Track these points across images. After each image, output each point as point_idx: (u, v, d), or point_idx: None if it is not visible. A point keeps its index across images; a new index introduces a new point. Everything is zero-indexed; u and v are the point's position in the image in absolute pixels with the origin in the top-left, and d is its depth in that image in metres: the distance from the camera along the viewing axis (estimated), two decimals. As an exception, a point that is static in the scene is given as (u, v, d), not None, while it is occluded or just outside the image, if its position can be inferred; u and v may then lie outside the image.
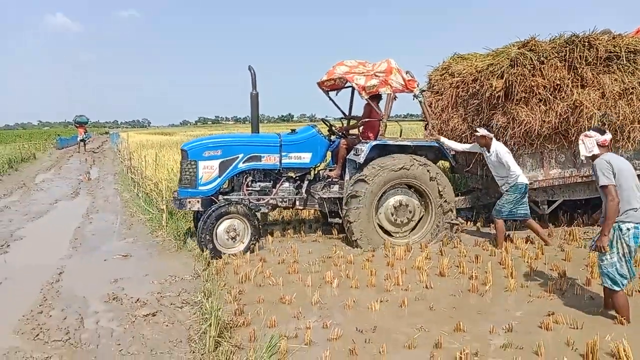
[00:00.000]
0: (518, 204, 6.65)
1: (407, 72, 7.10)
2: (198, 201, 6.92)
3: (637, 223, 4.14)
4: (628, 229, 4.15)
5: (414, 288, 5.25)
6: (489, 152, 6.77)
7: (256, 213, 7.00)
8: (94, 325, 4.53)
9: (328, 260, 6.32)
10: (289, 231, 7.78)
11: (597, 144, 4.35)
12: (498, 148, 6.68)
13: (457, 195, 7.64)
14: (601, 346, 3.71)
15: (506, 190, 6.68)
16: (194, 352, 3.92)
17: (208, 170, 6.92)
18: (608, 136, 4.41)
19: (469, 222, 8.14)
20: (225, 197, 7.10)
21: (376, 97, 7.24)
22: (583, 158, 4.58)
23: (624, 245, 4.17)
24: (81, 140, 30.94)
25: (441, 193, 6.92)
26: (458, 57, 8.45)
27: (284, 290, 5.19)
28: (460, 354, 3.65)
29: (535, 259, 6.13)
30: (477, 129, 6.79)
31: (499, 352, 3.80)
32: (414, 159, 6.86)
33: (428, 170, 6.86)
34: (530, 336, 4.01)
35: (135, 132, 57.85)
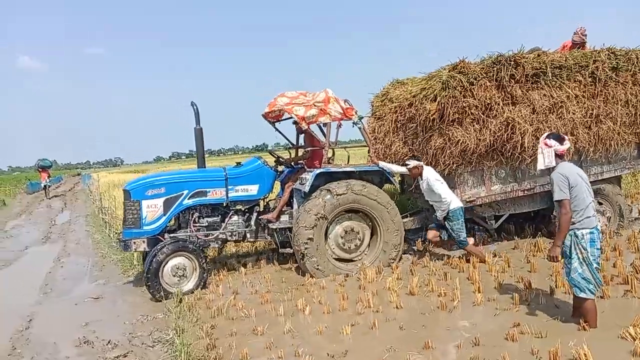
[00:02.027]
0: (463, 226, 6.84)
1: (345, 101, 7.27)
2: (144, 241, 6.77)
3: (591, 228, 4.34)
4: (583, 235, 4.33)
5: (384, 309, 5.33)
6: (422, 179, 6.95)
7: (204, 249, 6.93)
8: (65, 371, 4.48)
9: (301, 288, 6.37)
10: (261, 261, 7.80)
11: (556, 154, 4.46)
12: (429, 175, 6.84)
13: (406, 217, 7.76)
14: (564, 353, 3.84)
15: (448, 219, 6.82)
16: (165, 390, 3.91)
17: (152, 209, 6.81)
18: (567, 145, 4.51)
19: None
20: (172, 235, 6.98)
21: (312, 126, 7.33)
22: (539, 171, 4.75)
23: (582, 250, 4.34)
24: (45, 187, 27.60)
25: (386, 216, 7.00)
26: (397, 83, 8.62)
27: (256, 321, 5.21)
28: (428, 371, 3.73)
29: (503, 272, 6.29)
30: (407, 162, 6.95)
31: (466, 366, 3.89)
32: (356, 184, 6.91)
33: (371, 195, 6.92)
34: (497, 348, 4.11)
35: (107, 171, 57.23)
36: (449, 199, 6.76)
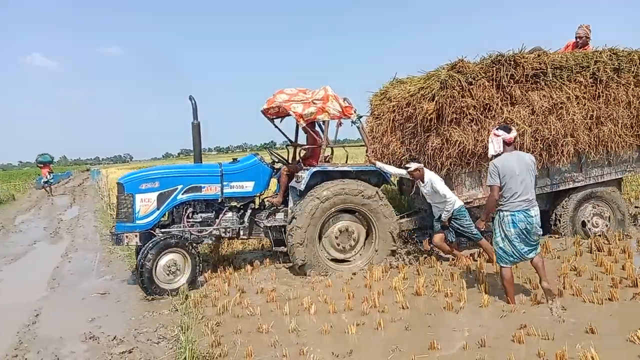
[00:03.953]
0: (471, 221, 6.77)
1: (344, 99, 7.22)
2: (136, 235, 6.71)
3: (513, 211, 5.02)
4: (505, 216, 5.07)
5: (390, 309, 5.30)
6: (423, 182, 6.84)
7: (196, 244, 6.89)
8: (70, 366, 4.50)
9: (307, 286, 6.36)
10: (267, 260, 7.79)
11: (504, 142, 5.10)
12: (432, 177, 6.74)
13: (403, 217, 7.71)
14: (571, 355, 3.80)
15: (455, 218, 6.73)
16: (169, 387, 3.92)
17: (145, 204, 6.75)
18: (514, 134, 5.17)
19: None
20: (164, 230, 6.90)
21: (312, 124, 7.32)
22: (490, 157, 5.20)
23: (503, 229, 5.08)
24: (45, 183, 26.03)
25: (382, 216, 6.95)
26: (397, 82, 8.51)
27: (261, 319, 5.20)
28: (433, 372, 3.71)
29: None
30: (408, 164, 6.82)
31: (472, 368, 3.86)
32: (353, 184, 6.87)
33: (367, 194, 6.87)
34: (503, 350, 4.08)
35: (116, 167, 57.52)
36: (454, 198, 6.69)
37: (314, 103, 6.93)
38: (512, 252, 5.08)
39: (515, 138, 5.24)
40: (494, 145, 5.13)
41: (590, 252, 6.92)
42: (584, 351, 3.79)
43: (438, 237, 6.99)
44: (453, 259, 7.01)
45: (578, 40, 8.11)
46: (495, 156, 5.15)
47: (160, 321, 5.48)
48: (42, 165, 26.15)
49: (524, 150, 6.76)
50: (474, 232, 6.74)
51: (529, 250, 5.10)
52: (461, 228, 6.78)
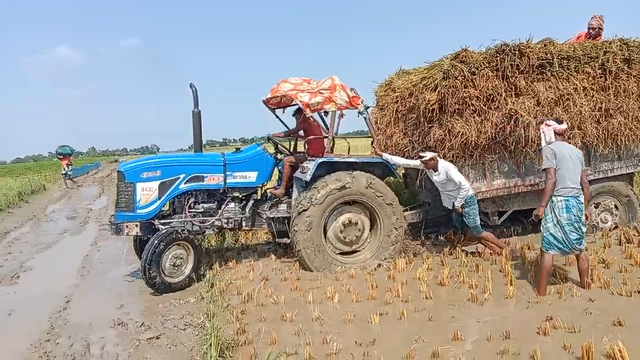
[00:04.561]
0: (478, 213, 6.70)
1: (351, 89, 7.14)
2: (136, 225, 6.56)
3: (567, 196, 5.09)
4: (559, 201, 5.12)
5: (414, 299, 5.30)
6: (436, 171, 6.71)
7: (198, 235, 6.87)
8: (100, 350, 4.62)
9: (330, 276, 6.39)
10: (291, 249, 7.82)
11: (555, 132, 5.25)
12: (446, 166, 6.62)
13: (406, 210, 7.58)
14: (597, 348, 3.75)
15: (466, 205, 6.61)
16: (195, 372, 4.00)
17: (147, 193, 6.61)
18: (564, 125, 5.37)
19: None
20: (163, 221, 6.73)
21: (300, 112, 7.24)
22: (543, 145, 5.30)
23: (556, 214, 5.12)
24: (64, 175, 25.67)
25: (387, 209, 6.86)
26: (402, 73, 8.34)
27: (285, 307, 5.26)
28: (457, 362, 3.71)
29: (536, 265, 6.14)
30: (423, 153, 6.69)
31: (495, 359, 3.85)
32: (358, 176, 6.78)
33: (373, 187, 6.78)
34: (528, 342, 4.04)
35: (143, 158, 58.09)
36: (467, 185, 6.56)
37: (321, 92, 6.84)
38: (563, 238, 5.12)
39: (565, 130, 5.46)
40: (546, 135, 5.27)
41: (620, 245, 6.79)
42: (611, 344, 3.74)
43: (485, 234, 6.86)
44: (479, 252, 6.94)
45: (590, 31, 7.83)
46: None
47: (187, 309, 5.58)
48: (61, 157, 25.95)
49: (528, 143, 6.68)
50: (477, 224, 6.68)
51: (578, 238, 5.13)
52: (468, 216, 6.67)
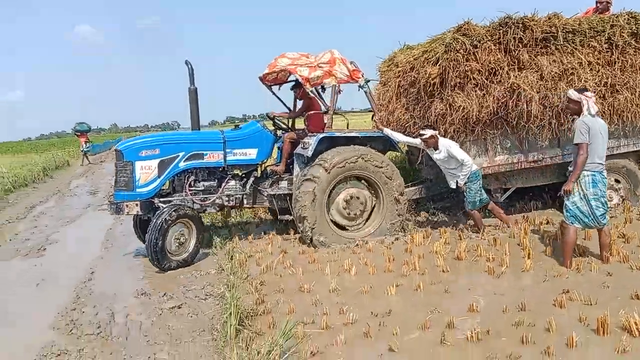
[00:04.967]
0: (481, 190, 6.64)
1: (351, 63, 7.03)
2: (137, 204, 6.47)
3: (593, 171, 5.05)
4: (584, 176, 5.06)
5: (430, 272, 5.34)
6: (436, 150, 6.63)
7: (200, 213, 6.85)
8: (124, 319, 4.77)
9: (347, 250, 6.45)
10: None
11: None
12: (447, 143, 6.54)
13: (408, 187, 7.51)
14: (613, 320, 3.75)
15: (469, 180, 6.54)
16: (215, 339, 4.12)
17: (146, 171, 6.50)
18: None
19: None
20: (163, 199, 6.70)
21: (299, 86, 7.16)
22: (593, 112, 5.09)
23: (583, 188, 5.08)
24: (83, 152, 26.11)
25: (389, 183, 6.82)
26: (406, 48, 8.14)
27: (303, 279, 5.35)
28: (472, 333, 3.75)
29: (555, 239, 6.11)
30: (423, 131, 6.59)
31: (510, 330, 3.88)
32: (361, 150, 6.73)
33: (375, 162, 6.73)
34: (543, 314, 4.06)
35: (164, 134, 58.66)
36: (470, 162, 6.48)
37: (320, 67, 6.75)
38: (589, 212, 5.08)
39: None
40: (589, 106, 5.05)
41: (641, 219, 6.72)
42: (627, 316, 3.74)
43: (476, 214, 6.80)
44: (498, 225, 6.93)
45: (598, 5, 7.61)
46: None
47: (207, 279, 5.72)
48: (79, 134, 26.39)
49: (531, 118, 6.57)
50: (476, 200, 6.61)
51: (603, 213, 5.11)
52: (469, 191, 6.60)
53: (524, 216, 7.28)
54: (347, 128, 7.93)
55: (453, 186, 6.80)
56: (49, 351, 4.11)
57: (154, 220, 6.10)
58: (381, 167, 6.78)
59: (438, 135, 6.62)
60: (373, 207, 7.02)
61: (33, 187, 16.65)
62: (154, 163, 6.55)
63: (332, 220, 6.80)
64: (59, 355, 4.05)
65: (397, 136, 7.02)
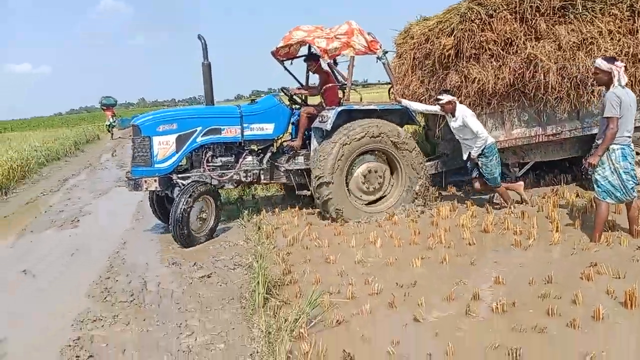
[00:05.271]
0: (499, 164, 6.52)
1: (369, 34, 6.90)
2: (155, 180, 6.37)
3: (623, 145, 4.97)
4: (614, 150, 4.96)
5: (456, 245, 5.35)
6: (453, 116, 6.50)
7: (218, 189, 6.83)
8: (156, 287, 4.92)
9: (373, 222, 6.49)
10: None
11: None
12: (464, 111, 6.41)
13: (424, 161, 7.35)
14: (642, 293, 3.72)
15: (483, 155, 6.41)
16: (244, 307, 4.23)
17: (164, 146, 6.38)
18: None
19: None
20: (181, 175, 6.63)
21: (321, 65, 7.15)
22: (623, 83, 4.94)
23: (613, 162, 4.98)
24: (109, 126, 26.08)
25: (408, 157, 6.76)
26: (422, 20, 7.92)
27: (329, 251, 5.43)
28: (497, 304, 3.77)
29: (585, 212, 6.04)
30: (440, 96, 6.49)
31: (536, 302, 3.88)
32: (379, 123, 6.64)
33: (394, 134, 6.66)
34: (570, 287, 4.04)
35: (191, 109, 59.20)
36: (485, 134, 6.36)
37: (337, 38, 6.62)
38: (620, 186, 4.98)
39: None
40: (620, 76, 4.88)
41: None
42: (656, 289, 3.71)
43: (478, 184, 6.72)
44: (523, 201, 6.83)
45: None
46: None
47: (236, 250, 5.83)
48: (105, 108, 26.23)
49: (549, 89, 6.40)
50: (496, 175, 6.49)
51: (633, 185, 5.04)
52: (485, 167, 6.49)
53: (552, 189, 7.18)
54: (361, 101, 7.84)
55: (465, 157, 6.70)
56: (85, 317, 4.28)
57: (179, 196, 6.06)
58: (399, 140, 6.71)
59: (456, 101, 6.53)
60: (390, 182, 6.98)
61: (65, 161, 17.08)
62: (172, 138, 6.45)
63: (352, 195, 6.76)
64: (94, 321, 4.21)
65: (416, 105, 6.94)
